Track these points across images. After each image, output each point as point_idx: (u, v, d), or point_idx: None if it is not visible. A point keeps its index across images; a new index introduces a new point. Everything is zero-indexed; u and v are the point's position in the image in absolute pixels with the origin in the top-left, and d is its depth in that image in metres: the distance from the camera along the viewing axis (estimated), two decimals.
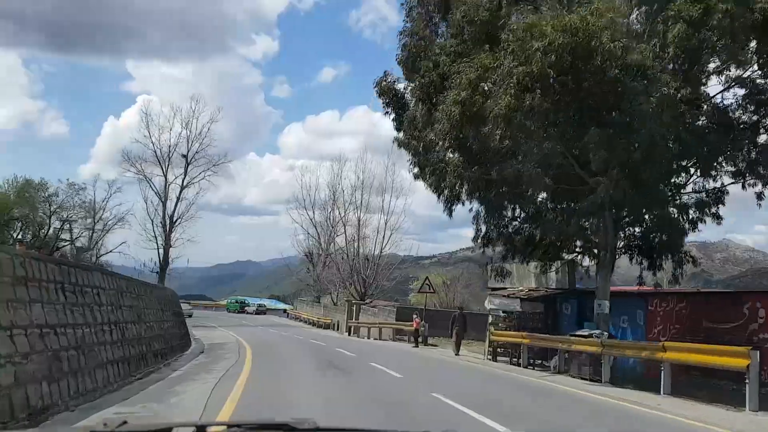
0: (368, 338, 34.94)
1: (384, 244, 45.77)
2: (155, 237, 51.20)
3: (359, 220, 46.54)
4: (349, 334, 39.00)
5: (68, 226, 59.85)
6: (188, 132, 51.93)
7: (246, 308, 71.17)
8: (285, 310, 75.34)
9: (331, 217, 57.44)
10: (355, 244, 46.83)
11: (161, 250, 51.22)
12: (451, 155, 17.00)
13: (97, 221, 60.99)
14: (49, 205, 41.70)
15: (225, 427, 1.94)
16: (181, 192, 51.91)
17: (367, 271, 45.30)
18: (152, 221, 51.08)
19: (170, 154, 51.83)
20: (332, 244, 57.23)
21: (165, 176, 51.51)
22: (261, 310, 70.19)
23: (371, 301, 43.54)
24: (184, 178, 51.88)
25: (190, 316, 42.46)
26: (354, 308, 41.14)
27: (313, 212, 64.53)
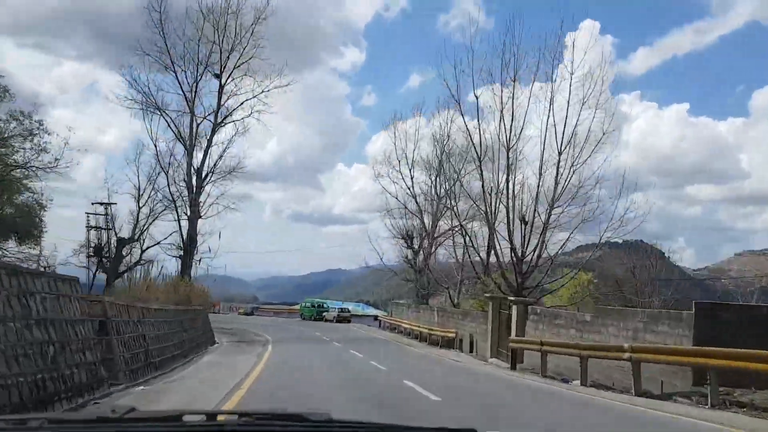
0: (582, 383, 13.95)
1: (568, 175, 23.78)
2: (173, 201, 32.99)
3: (507, 143, 25.16)
4: (514, 367, 18.27)
5: (106, 209, 44.72)
6: (220, 38, 33.38)
7: (324, 314, 52.12)
8: (376, 317, 56.08)
9: (448, 165, 37.01)
10: (503, 181, 25.32)
11: (183, 222, 33.02)
12: None
13: (143, 205, 45.93)
14: None
15: (236, 416, 1.85)
16: (214, 131, 33.49)
17: (526, 242, 24.27)
18: (167, 175, 32.86)
19: (197, 77, 33.52)
20: (450, 209, 36.78)
21: (191, 110, 33.24)
22: (344, 317, 50.89)
23: (538, 300, 22.59)
24: (218, 109, 33.44)
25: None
26: (513, 313, 20.38)
27: (412, 179, 44.81)
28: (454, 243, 36.26)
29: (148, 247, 52.47)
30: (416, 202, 45.11)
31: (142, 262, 49.63)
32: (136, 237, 49.69)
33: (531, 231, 24.29)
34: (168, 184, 32.27)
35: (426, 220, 44.57)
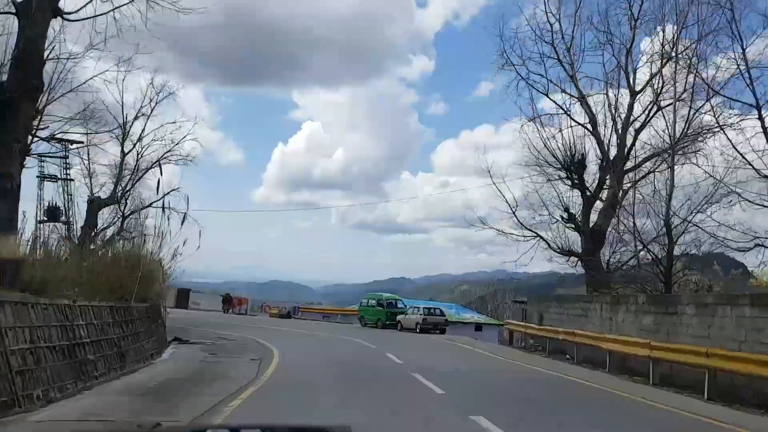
0: None
1: None
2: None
3: None
4: None
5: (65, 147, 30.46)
6: None
7: (399, 318, 30.23)
8: (478, 326, 34.69)
9: None
10: None
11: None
12: None
13: (127, 152, 31.27)
14: None
15: (259, 429, 1.93)
16: None
17: None
18: None
19: None
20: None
21: None
22: (435, 323, 28.93)
23: None
24: None
25: None
26: None
27: (572, 65, 22.82)
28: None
29: (132, 212, 33.41)
30: (585, 105, 22.82)
31: (123, 233, 30.59)
32: (118, 196, 31.39)
33: None
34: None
35: (609, 136, 22.29)
